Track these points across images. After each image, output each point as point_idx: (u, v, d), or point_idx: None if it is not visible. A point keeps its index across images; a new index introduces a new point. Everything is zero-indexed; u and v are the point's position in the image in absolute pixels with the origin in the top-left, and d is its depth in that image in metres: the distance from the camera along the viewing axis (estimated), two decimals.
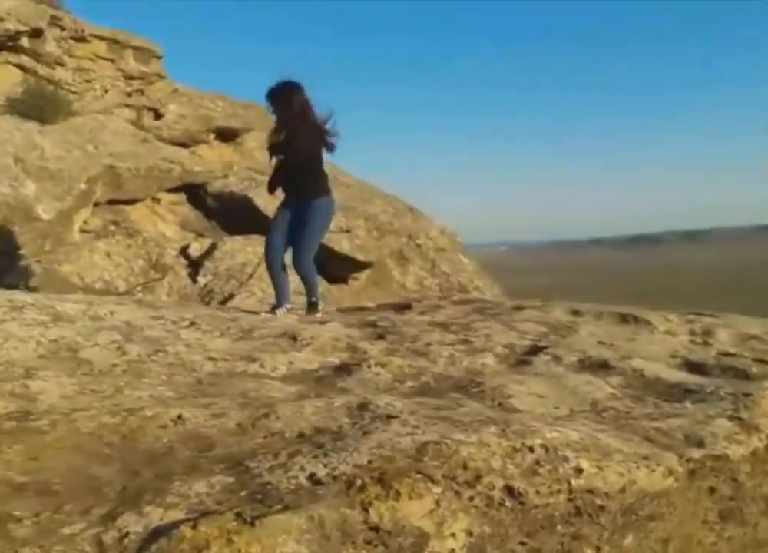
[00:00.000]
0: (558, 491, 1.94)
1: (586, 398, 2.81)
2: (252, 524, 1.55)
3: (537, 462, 1.99)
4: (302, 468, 1.85)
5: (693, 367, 3.50)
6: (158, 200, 10.46)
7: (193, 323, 3.96)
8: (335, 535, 1.63)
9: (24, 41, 11.40)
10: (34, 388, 2.62)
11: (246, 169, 12.59)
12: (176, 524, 1.57)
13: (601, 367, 3.29)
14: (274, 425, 2.26)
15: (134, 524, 1.59)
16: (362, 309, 6.47)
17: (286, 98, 5.26)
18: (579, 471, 1.99)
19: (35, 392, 2.58)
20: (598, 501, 1.99)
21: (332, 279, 10.09)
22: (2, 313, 3.50)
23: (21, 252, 7.58)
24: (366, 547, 1.66)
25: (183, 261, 9.55)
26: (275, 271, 5.47)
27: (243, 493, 1.75)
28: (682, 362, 3.60)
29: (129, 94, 13.71)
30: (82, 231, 9.01)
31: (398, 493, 1.72)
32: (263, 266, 9.44)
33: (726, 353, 3.87)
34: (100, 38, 13.92)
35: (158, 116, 13.59)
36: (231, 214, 10.66)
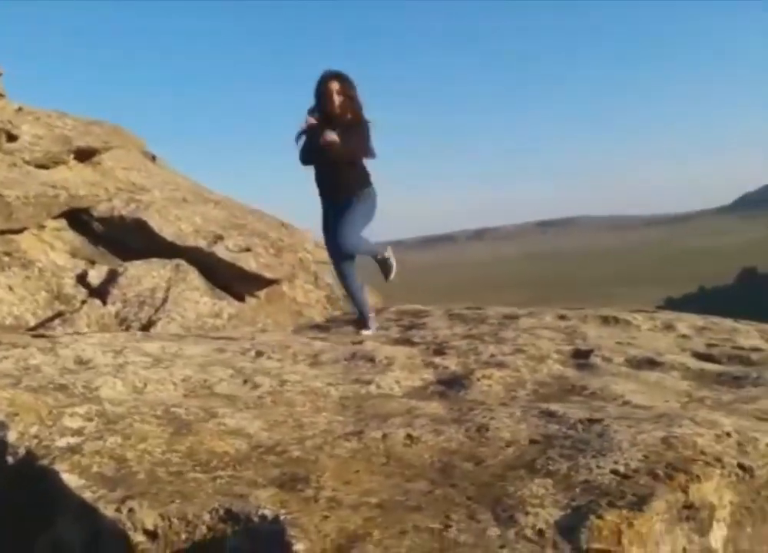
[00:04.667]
0: (766, 464, 2.47)
1: (678, 392, 3.39)
2: (641, 510, 1.95)
3: (740, 443, 2.51)
4: (600, 466, 2.26)
5: (707, 357, 4.20)
6: (43, 227, 10.03)
7: (259, 353, 4.14)
8: (672, 515, 2.06)
9: None
10: (231, 425, 2.81)
11: (118, 190, 12.30)
12: (575, 518, 1.93)
13: (651, 363, 3.90)
14: (502, 435, 2.63)
15: (537, 521, 1.93)
16: (317, 326, 6.75)
17: (354, 88, 5.11)
18: None
19: (240, 429, 2.77)
20: None
21: (237, 299, 10.17)
22: (112, 358, 3.54)
23: None
24: (687, 521, 2.11)
25: (83, 290, 9.26)
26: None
27: (577, 490, 2.13)
28: (693, 354, 4.28)
29: None
30: None
31: (698, 477, 2.18)
32: (175, 290, 9.41)
33: (711, 344, 4.61)
34: None
35: (10, 137, 12.90)
36: (122, 238, 10.42)
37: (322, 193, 5.34)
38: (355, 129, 5.03)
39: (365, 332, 5.34)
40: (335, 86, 5.09)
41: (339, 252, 5.36)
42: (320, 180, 5.27)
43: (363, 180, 5.28)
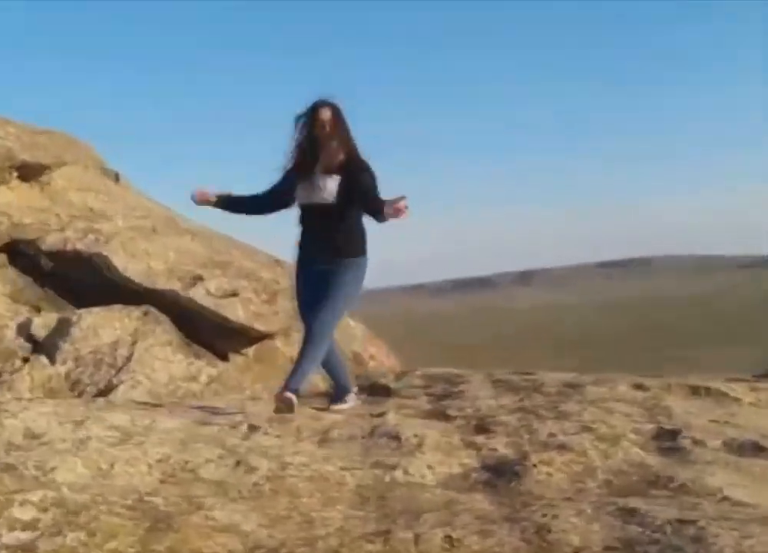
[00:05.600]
0: None
1: None
2: None
3: None
4: None
5: None
6: None
7: (252, 427, 4.18)
8: None
9: None
10: (222, 519, 2.83)
11: (72, 217, 12.47)
12: None
13: (756, 449, 3.90)
14: (569, 539, 2.63)
15: None
16: (323, 394, 6.80)
17: (346, 122, 5.07)
18: None
19: (232, 524, 2.79)
20: None
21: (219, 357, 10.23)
22: (71, 431, 3.58)
23: None
24: None
25: (26, 344, 9.33)
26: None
27: None
28: None
29: None
30: None
31: None
32: (142, 345, 9.48)
33: None
34: None
35: None
36: (76, 278, 10.53)
37: (304, 250, 5.35)
38: (360, 174, 4.97)
39: (337, 407, 5.35)
40: (326, 116, 5.00)
41: (309, 333, 5.27)
42: (307, 235, 5.29)
43: (362, 244, 5.26)
